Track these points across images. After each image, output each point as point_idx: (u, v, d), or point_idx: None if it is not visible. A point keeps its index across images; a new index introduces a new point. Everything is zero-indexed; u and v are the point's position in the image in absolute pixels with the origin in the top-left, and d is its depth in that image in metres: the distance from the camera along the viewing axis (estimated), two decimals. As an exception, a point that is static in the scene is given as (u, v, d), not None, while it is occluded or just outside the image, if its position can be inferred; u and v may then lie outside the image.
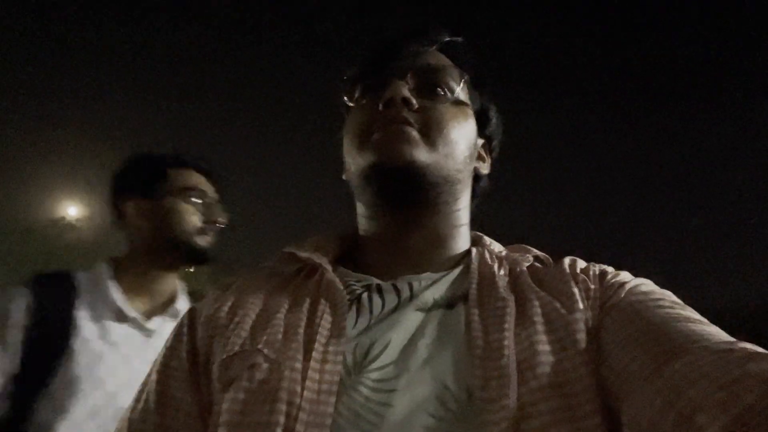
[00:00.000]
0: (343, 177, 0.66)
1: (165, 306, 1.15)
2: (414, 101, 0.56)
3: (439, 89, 0.59)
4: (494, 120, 0.67)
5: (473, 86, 0.63)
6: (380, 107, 0.56)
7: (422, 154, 0.54)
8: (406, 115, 0.55)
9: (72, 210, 10.26)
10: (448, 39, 0.63)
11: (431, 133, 0.56)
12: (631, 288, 0.50)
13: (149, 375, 0.55)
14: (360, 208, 0.62)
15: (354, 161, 0.58)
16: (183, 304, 1.16)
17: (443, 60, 0.62)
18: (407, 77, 0.58)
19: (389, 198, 0.57)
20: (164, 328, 1.10)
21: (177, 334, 0.57)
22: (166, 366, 0.54)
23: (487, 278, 0.53)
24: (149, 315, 1.11)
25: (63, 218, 9.80)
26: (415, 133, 0.55)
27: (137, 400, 0.53)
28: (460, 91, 0.60)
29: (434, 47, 0.63)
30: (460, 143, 0.58)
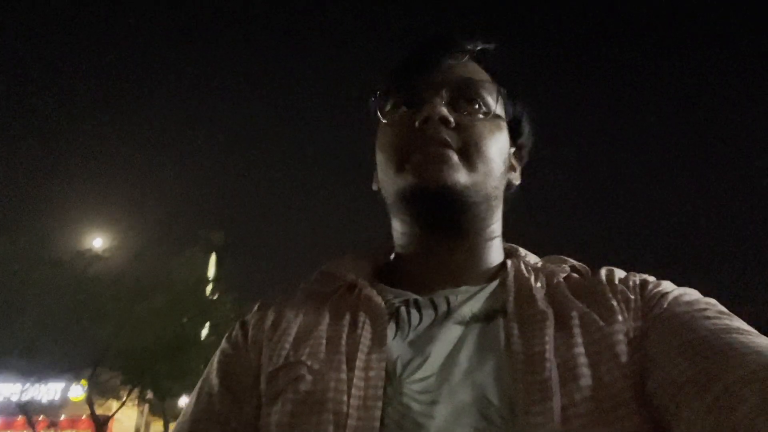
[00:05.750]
0: (374, 187, 0.66)
1: None
2: (451, 119, 0.55)
3: (475, 104, 0.58)
4: (527, 129, 0.65)
5: (508, 96, 0.62)
6: (416, 124, 0.55)
7: (462, 177, 0.54)
8: (444, 135, 0.54)
9: (97, 242, 10.56)
10: (481, 47, 0.62)
11: (470, 154, 0.55)
12: (674, 298, 0.48)
13: (208, 377, 0.56)
14: (396, 224, 0.62)
15: (391, 181, 0.58)
16: None
17: (478, 72, 0.60)
18: (442, 92, 0.57)
19: (429, 220, 0.57)
20: None
21: (234, 342, 0.58)
22: (227, 364, 0.56)
23: (524, 291, 0.53)
24: None
25: (90, 250, 10.03)
26: (455, 156, 0.54)
27: (198, 396, 0.55)
28: (497, 106, 0.59)
29: (468, 56, 0.61)
30: (497, 159, 0.57)
